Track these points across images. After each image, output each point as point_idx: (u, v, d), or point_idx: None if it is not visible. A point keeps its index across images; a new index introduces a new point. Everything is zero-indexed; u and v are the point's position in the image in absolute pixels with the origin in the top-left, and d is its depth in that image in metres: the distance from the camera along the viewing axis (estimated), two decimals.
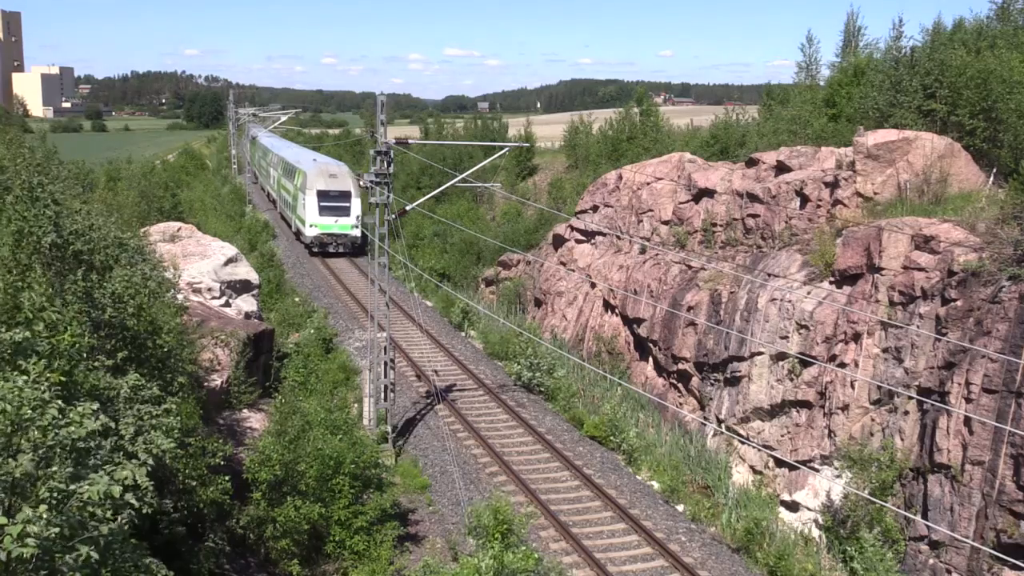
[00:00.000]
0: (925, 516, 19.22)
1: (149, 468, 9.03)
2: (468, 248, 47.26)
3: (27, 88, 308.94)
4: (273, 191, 64.41)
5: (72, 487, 7.99)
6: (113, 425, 9.56)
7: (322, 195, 51.53)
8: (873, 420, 21.78)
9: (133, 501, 8.39)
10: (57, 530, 7.45)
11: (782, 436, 24.31)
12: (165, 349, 16.43)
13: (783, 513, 23.16)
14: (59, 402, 8.50)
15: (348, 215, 52.01)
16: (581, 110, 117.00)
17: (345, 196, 52.03)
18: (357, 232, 52.45)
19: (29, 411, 8.12)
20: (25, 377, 8.54)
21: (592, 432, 27.90)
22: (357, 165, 79.39)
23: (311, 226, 52.21)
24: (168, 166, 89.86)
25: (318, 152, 67.97)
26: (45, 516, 7.41)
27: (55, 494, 7.88)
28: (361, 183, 26.05)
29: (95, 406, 8.98)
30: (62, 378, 9.86)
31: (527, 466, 25.21)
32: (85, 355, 11.72)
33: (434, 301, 45.49)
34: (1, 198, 15.57)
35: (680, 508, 23.62)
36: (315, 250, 52.71)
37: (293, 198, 56.56)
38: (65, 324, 11.50)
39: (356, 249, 53.16)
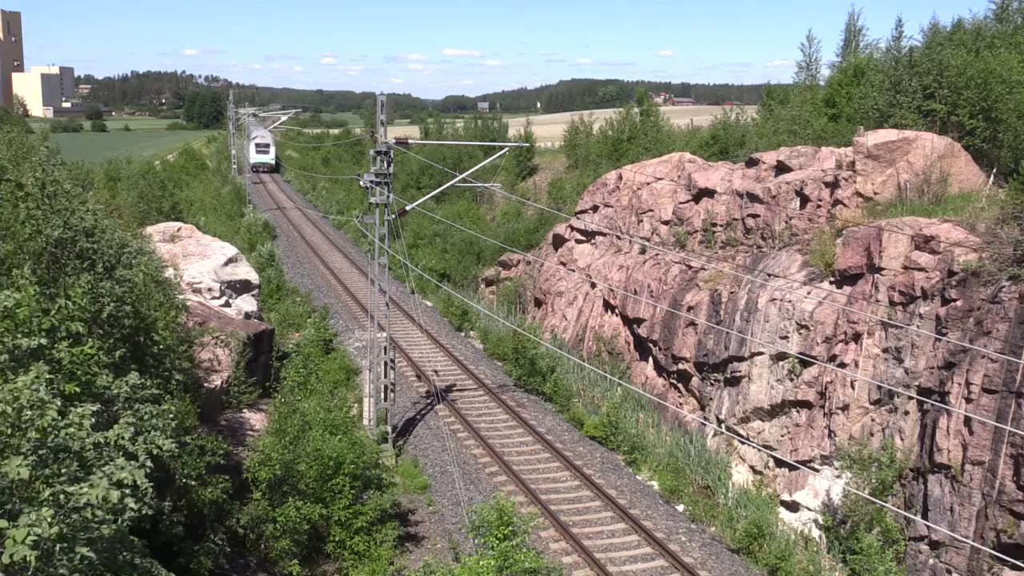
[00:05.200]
0: (925, 516, 19.21)
1: (148, 470, 9.00)
2: (468, 248, 47.26)
3: (27, 88, 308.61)
4: (244, 151, 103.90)
5: (71, 489, 7.97)
6: (113, 428, 9.52)
7: (257, 146, 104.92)
8: (873, 420, 21.78)
9: (132, 504, 8.36)
10: (56, 531, 7.42)
11: (782, 436, 24.31)
12: (162, 347, 16.40)
13: (783, 513, 23.15)
14: (58, 402, 8.45)
15: (268, 154, 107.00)
16: (581, 110, 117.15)
17: (267, 146, 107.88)
18: (273, 162, 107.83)
19: (29, 412, 8.08)
20: (24, 378, 8.51)
21: (592, 432, 27.91)
22: (357, 165, 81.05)
23: (251, 160, 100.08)
24: (168, 166, 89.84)
25: (271, 133, 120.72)
26: (49, 519, 7.38)
27: (57, 496, 7.85)
28: (362, 183, 26.04)
29: (95, 407, 8.94)
30: (76, 389, 9.81)
31: (527, 466, 25.21)
32: (99, 365, 11.66)
33: (434, 301, 45.50)
34: (12, 194, 15.50)
35: (680, 508, 23.63)
36: (252, 171, 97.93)
37: (247, 149, 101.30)
38: (85, 335, 11.44)
39: (273, 170, 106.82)
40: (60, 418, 8.37)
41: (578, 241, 38.52)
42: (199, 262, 31.22)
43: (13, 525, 7.26)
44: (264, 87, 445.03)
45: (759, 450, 24.27)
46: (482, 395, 31.22)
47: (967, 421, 18.57)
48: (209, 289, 30.20)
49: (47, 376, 8.82)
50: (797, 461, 22.90)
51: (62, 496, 7.87)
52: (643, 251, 33.73)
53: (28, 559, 7.10)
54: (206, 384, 22.24)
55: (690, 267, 30.36)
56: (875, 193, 25.60)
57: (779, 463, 24.00)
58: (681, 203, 33.07)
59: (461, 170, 44.54)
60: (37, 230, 14.63)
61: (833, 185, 26.34)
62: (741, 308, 26.25)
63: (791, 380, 24.19)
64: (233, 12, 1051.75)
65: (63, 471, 8.20)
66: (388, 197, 25.87)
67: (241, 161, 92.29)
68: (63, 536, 7.62)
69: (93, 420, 8.71)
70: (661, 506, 23.55)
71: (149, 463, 9.26)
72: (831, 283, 24.22)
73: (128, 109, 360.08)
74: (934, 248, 21.30)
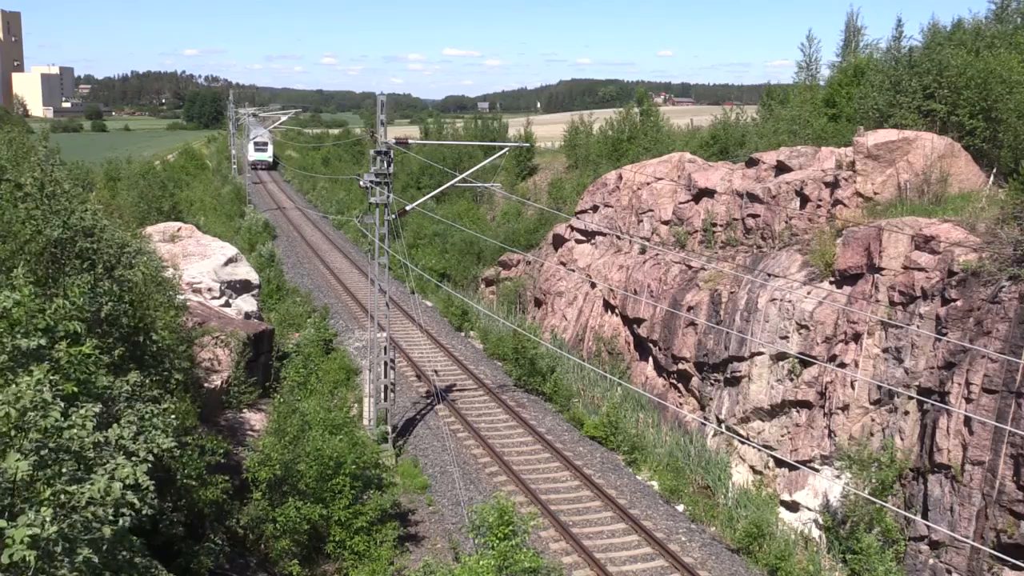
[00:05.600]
0: (925, 516, 19.21)
1: (149, 464, 8.99)
2: (468, 248, 47.27)
3: (27, 88, 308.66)
4: (244, 151, 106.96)
5: (72, 488, 7.96)
6: (113, 427, 9.52)
7: (255, 144, 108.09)
8: (873, 420, 21.78)
9: (134, 500, 8.36)
10: (56, 529, 7.41)
11: (782, 436, 24.31)
12: (161, 346, 16.39)
13: (783, 513, 23.16)
14: (61, 403, 8.45)
15: (266, 152, 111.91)
16: (581, 110, 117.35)
17: (265, 144, 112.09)
18: (271, 159, 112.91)
19: (32, 413, 8.08)
20: (28, 379, 8.51)
21: (592, 432, 27.91)
22: (357, 165, 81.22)
23: (250, 158, 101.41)
24: (168, 166, 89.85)
25: (270, 133, 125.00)
26: (48, 518, 7.37)
27: (58, 496, 7.85)
28: (362, 183, 26.05)
29: (97, 408, 8.93)
30: (74, 389, 9.82)
31: (527, 466, 25.21)
32: (98, 365, 11.65)
33: (434, 301, 45.50)
34: (12, 194, 15.47)
35: (680, 508, 23.63)
36: (251, 168, 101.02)
37: (247, 148, 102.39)
38: (83, 335, 11.43)
39: (271, 167, 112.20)
40: (63, 419, 8.37)
41: (578, 241, 38.53)
42: (199, 262, 31.22)
43: (12, 525, 7.26)
44: (264, 87, 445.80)
45: (759, 450, 24.27)
46: (482, 395, 31.22)
47: (967, 421, 18.57)
48: (209, 289, 30.20)
49: (50, 378, 8.82)
50: (797, 461, 22.90)
51: (63, 496, 7.87)
52: (643, 251, 33.74)
53: (28, 559, 7.10)
54: (206, 384, 22.24)
55: (690, 267, 30.36)
56: (875, 193, 25.60)
57: (779, 463, 24.00)
58: (681, 203, 33.07)
59: (461, 170, 44.56)
60: (37, 230, 14.61)
61: (833, 185, 26.34)
62: (741, 308, 26.25)
63: (791, 380, 24.20)
64: (233, 12, 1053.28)
65: (64, 471, 8.20)
66: (388, 197, 25.88)
67: (241, 161, 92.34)
68: (64, 536, 7.62)
69: (95, 421, 8.71)
70: (661, 506, 23.55)
71: (150, 456, 9.26)
72: (831, 283, 24.22)
73: (128, 109, 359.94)
74: (934, 248, 21.30)
